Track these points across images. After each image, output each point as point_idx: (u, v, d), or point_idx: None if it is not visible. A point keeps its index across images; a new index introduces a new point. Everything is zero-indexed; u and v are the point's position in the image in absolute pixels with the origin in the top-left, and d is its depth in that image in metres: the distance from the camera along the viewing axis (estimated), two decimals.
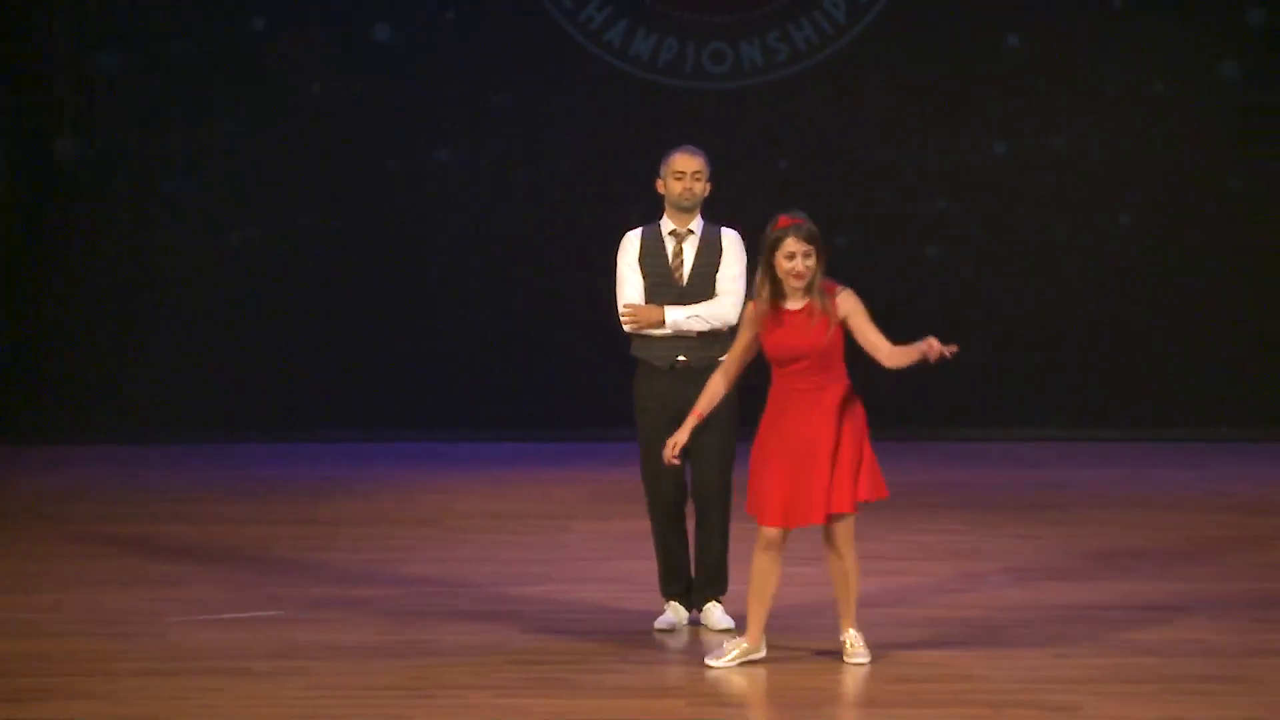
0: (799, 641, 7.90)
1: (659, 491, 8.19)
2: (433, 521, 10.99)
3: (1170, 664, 7.51)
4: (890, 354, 7.38)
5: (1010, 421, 14.39)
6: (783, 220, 7.48)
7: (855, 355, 7.56)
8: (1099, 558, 9.74)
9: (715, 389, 7.68)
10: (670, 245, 8.19)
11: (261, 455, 13.81)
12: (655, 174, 8.26)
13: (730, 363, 7.65)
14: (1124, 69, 14.51)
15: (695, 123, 13.94)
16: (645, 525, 8.35)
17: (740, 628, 8.09)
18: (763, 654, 7.56)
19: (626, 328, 8.17)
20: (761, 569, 7.55)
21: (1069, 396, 14.62)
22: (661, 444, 8.06)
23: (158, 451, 13.90)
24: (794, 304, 7.49)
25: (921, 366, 7.40)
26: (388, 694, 7.17)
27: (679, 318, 8.09)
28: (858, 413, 7.52)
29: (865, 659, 7.49)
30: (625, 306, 8.15)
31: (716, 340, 8.15)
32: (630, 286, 8.17)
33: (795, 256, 7.43)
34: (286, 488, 12.31)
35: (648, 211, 8.47)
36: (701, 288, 8.14)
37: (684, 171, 8.17)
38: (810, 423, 7.45)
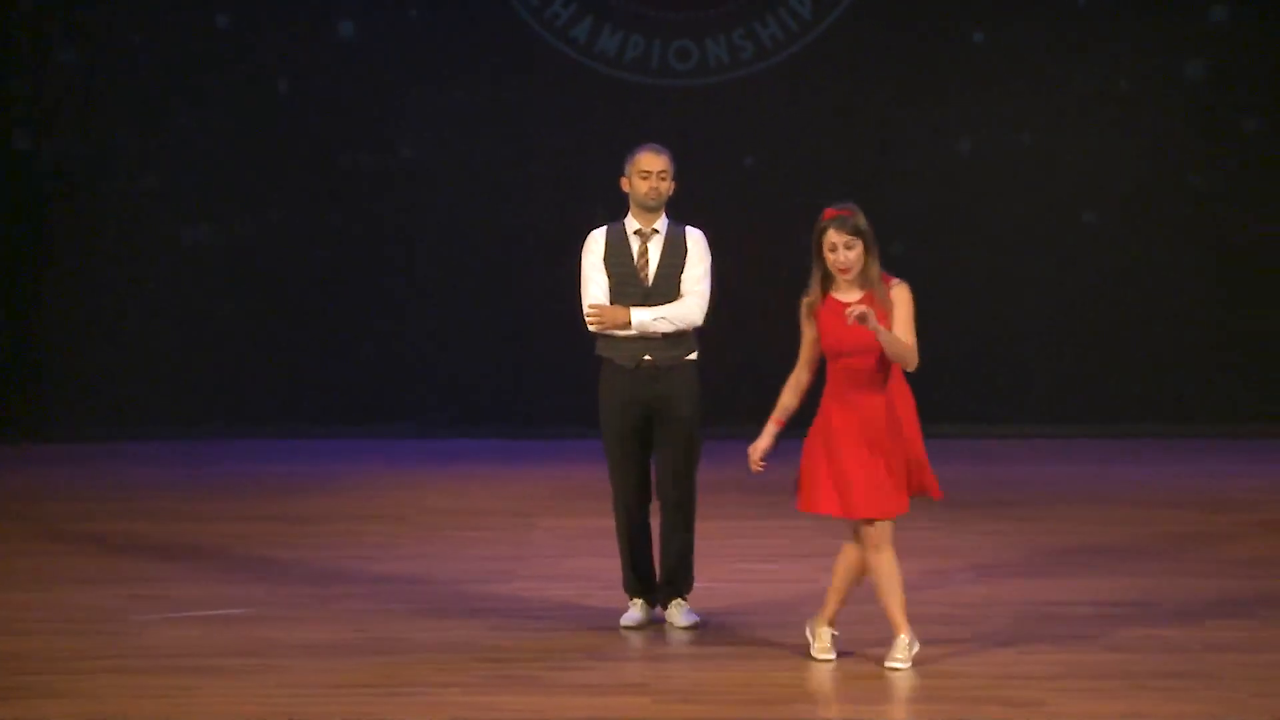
0: (768, 638, 7.94)
1: (624, 489, 8.21)
2: (401, 519, 11.00)
3: (1133, 660, 7.55)
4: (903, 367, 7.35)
5: (975, 418, 14.45)
6: (828, 212, 7.38)
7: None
8: (1063, 554, 9.79)
9: (790, 395, 7.53)
10: (635, 244, 8.19)
11: (229, 453, 13.80)
12: (620, 172, 8.26)
13: (801, 364, 7.52)
14: (1089, 66, 14.57)
15: (661, 120, 13.97)
16: (611, 523, 8.37)
17: (709, 624, 8.13)
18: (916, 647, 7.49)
19: (591, 328, 8.16)
20: (883, 567, 7.40)
21: (1033, 393, 14.68)
22: (626, 441, 8.09)
23: (124, 449, 13.89)
24: (849, 297, 7.40)
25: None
26: (355, 691, 7.18)
27: (645, 319, 8.09)
28: (908, 413, 7.44)
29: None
30: (590, 307, 8.14)
31: (682, 340, 8.16)
32: (595, 286, 8.16)
33: (837, 249, 7.34)
34: (255, 485, 12.31)
35: (613, 209, 8.48)
36: (666, 287, 8.14)
37: (649, 171, 8.16)
38: (854, 418, 7.38)
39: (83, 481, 12.57)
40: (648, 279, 8.15)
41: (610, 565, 8.46)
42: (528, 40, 14.60)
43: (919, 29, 14.59)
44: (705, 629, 8.13)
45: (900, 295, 7.38)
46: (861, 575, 7.56)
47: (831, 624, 7.62)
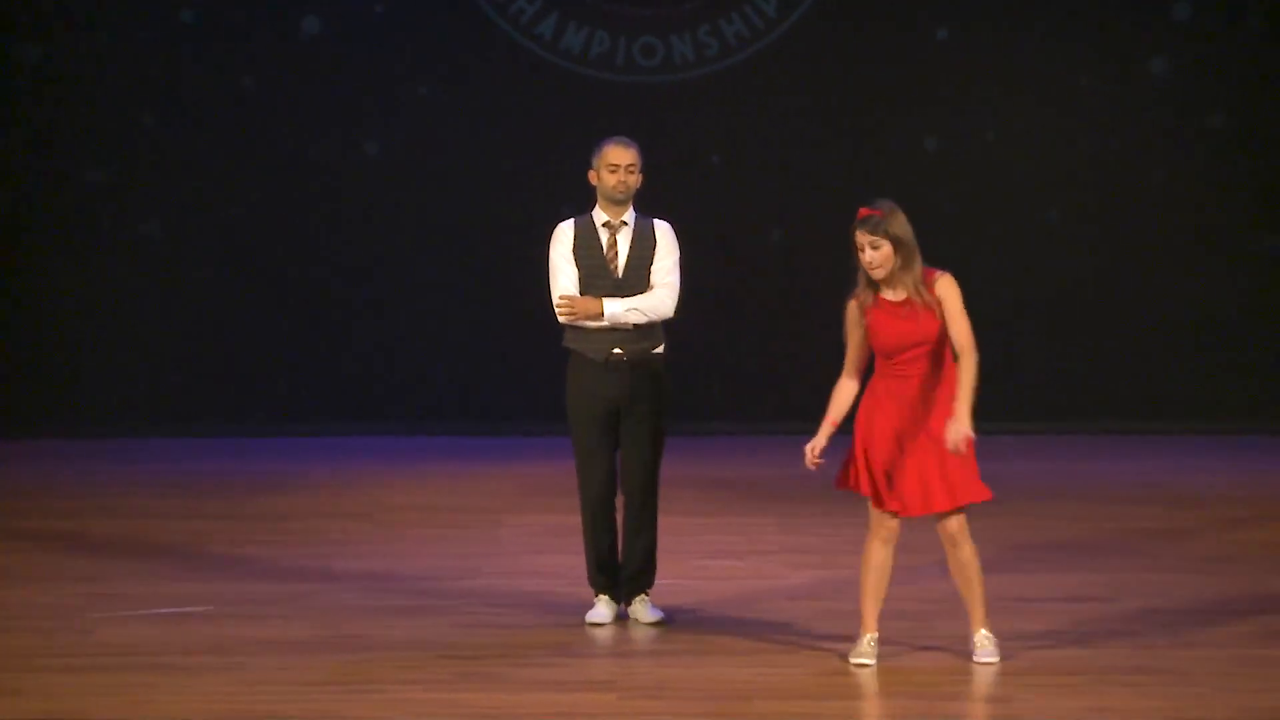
0: (730, 634, 7.92)
1: (592, 483, 8.18)
2: (364, 516, 10.96)
3: (1100, 656, 7.55)
4: (965, 368, 7.34)
5: None
6: (860, 212, 7.37)
7: None
8: (1029, 550, 9.79)
9: (844, 394, 7.45)
10: (604, 236, 8.17)
11: (188, 451, 13.73)
12: (586, 167, 8.23)
13: (848, 369, 7.46)
14: (1053, 64, 14.59)
15: (626, 116, 13.94)
16: (576, 520, 8.35)
17: (674, 620, 8.11)
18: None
19: (562, 319, 8.13)
20: (963, 561, 7.42)
21: (999, 389, 14.68)
22: (593, 436, 8.06)
23: (81, 446, 13.82)
24: (894, 295, 7.38)
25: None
26: (319, 689, 7.14)
27: (617, 310, 8.06)
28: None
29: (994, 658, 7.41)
30: (561, 298, 8.11)
31: (651, 333, 8.14)
32: (565, 277, 8.13)
33: (864, 249, 7.33)
34: (216, 483, 12.25)
35: (579, 204, 8.45)
36: (636, 279, 8.12)
37: (618, 164, 8.14)
38: (907, 413, 7.36)
39: (39, 479, 12.50)
40: (618, 270, 8.13)
41: (577, 562, 8.43)
42: (493, 37, 14.56)
43: (883, 27, 14.59)
44: (669, 625, 8.11)
45: (948, 289, 7.39)
46: (890, 572, 7.49)
47: (874, 630, 7.49)
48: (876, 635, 7.45)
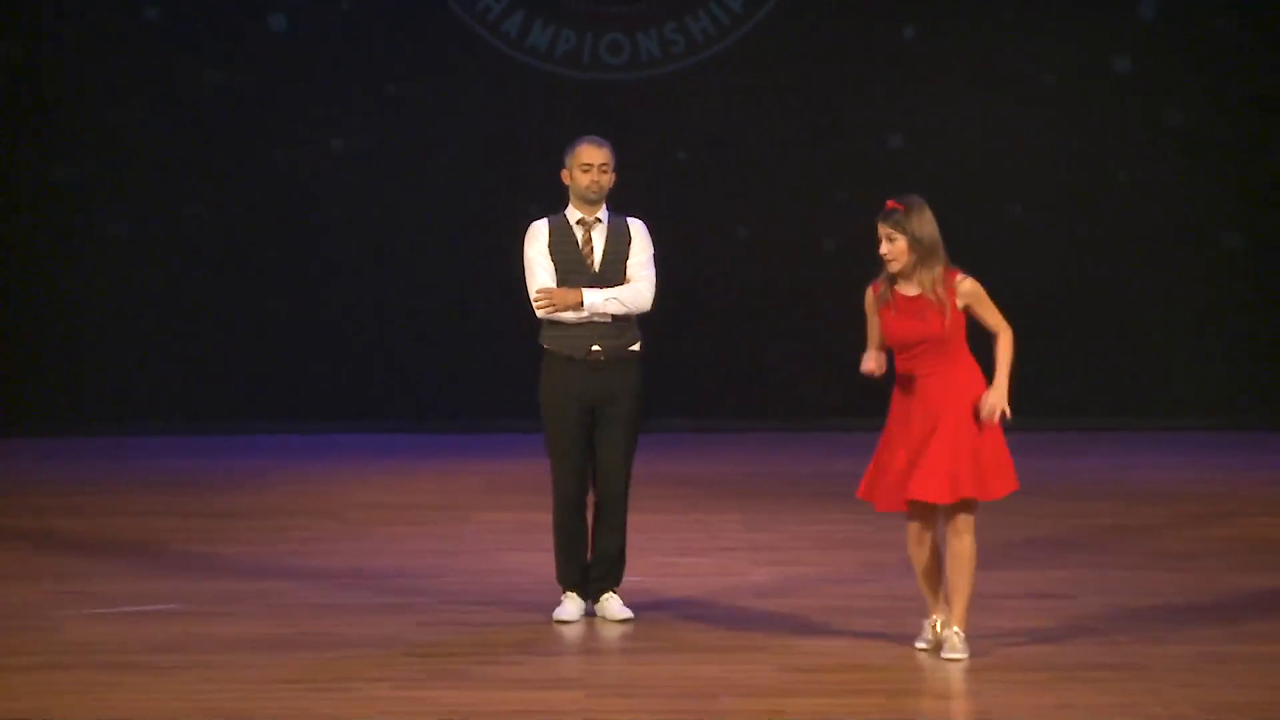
0: (696, 631, 7.94)
1: (565, 481, 8.18)
2: (331, 513, 10.95)
3: (1063, 652, 7.59)
4: (1002, 346, 7.52)
5: None
6: (887, 204, 7.47)
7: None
8: (992, 547, 9.79)
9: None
10: (579, 233, 8.18)
11: (156, 448, 13.70)
12: (554, 165, 8.24)
13: (870, 347, 7.58)
14: (1018, 61, 14.62)
15: (593, 114, 13.94)
16: (544, 517, 8.35)
17: (640, 617, 8.12)
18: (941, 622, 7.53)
19: (541, 313, 8.12)
20: (962, 553, 7.46)
21: None
22: (568, 435, 8.06)
23: (49, 445, 13.78)
24: (909, 290, 7.47)
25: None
26: (286, 686, 7.14)
27: (596, 300, 8.07)
28: (968, 402, 7.46)
29: (962, 655, 7.45)
30: (539, 291, 8.11)
31: (628, 329, 8.16)
32: (542, 271, 8.13)
33: (882, 240, 7.42)
34: (183, 480, 12.23)
35: (547, 202, 8.46)
36: (613, 274, 8.14)
37: (591, 164, 8.15)
38: (917, 408, 7.42)
39: (4, 478, 12.46)
40: (594, 265, 8.14)
41: (544, 559, 8.43)
42: (459, 34, 14.55)
43: (850, 24, 14.61)
44: (635, 623, 8.12)
45: (973, 291, 7.50)
46: (937, 559, 7.54)
47: (940, 615, 7.55)
48: (938, 620, 7.53)
